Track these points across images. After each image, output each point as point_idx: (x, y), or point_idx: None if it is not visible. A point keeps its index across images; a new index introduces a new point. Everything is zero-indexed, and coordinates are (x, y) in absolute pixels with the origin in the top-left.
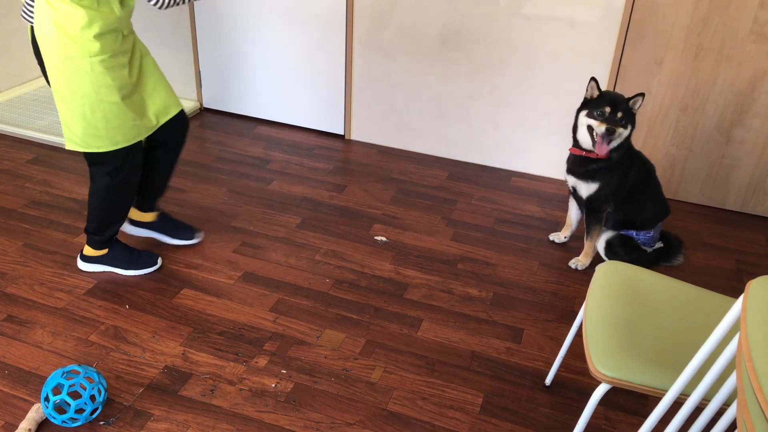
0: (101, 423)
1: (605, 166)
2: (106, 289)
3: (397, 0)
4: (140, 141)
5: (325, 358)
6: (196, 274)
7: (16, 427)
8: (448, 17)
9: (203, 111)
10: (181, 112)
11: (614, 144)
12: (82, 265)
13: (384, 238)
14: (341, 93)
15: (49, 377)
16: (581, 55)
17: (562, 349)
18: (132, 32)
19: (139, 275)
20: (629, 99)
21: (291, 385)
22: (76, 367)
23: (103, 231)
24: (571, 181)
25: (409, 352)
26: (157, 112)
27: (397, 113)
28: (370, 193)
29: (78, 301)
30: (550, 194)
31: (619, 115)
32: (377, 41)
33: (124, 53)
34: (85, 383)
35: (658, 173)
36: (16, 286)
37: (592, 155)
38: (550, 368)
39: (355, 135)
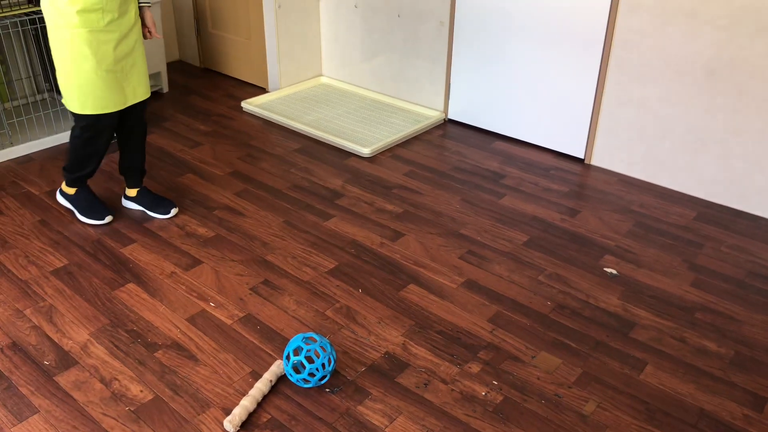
0: (327, 390)
1: None
2: (344, 272)
3: (665, 23)
4: (112, 113)
5: (538, 379)
6: (423, 272)
7: (261, 376)
8: (722, 46)
9: (447, 122)
10: (146, 101)
11: None
12: (58, 197)
13: (614, 271)
14: (587, 115)
15: (292, 339)
16: None
17: None
18: (126, 16)
19: (96, 224)
20: None
21: (500, 398)
22: (314, 335)
23: (71, 172)
24: None
25: (628, 393)
26: (129, 94)
27: (646, 142)
28: (604, 222)
29: (320, 278)
30: None
31: None
32: (635, 65)
33: (110, 32)
34: (319, 351)
35: None
36: (273, 256)
37: None
38: None
39: (596, 160)
